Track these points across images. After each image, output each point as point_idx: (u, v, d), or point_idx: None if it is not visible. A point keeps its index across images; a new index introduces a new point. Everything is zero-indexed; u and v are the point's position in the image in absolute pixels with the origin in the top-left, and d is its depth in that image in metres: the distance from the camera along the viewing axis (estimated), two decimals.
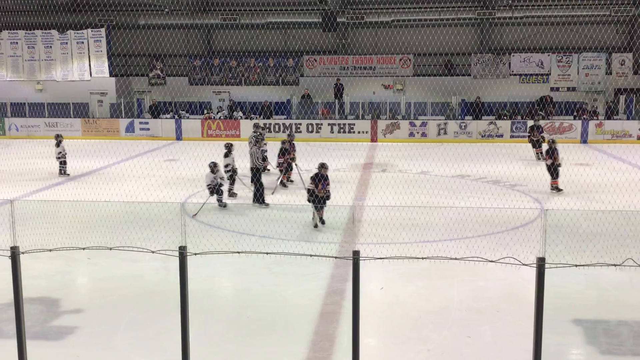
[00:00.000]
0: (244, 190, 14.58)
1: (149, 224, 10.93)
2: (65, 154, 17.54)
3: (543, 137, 19.95)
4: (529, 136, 20.64)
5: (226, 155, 14.54)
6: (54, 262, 9.55)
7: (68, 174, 17.47)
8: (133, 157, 20.71)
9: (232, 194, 14.57)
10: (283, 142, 15.99)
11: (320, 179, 11.88)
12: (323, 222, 11.95)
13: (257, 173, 13.98)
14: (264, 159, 15.05)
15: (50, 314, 7.94)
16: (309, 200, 11.84)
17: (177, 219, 9.96)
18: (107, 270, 9.56)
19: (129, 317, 7.87)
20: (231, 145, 14.84)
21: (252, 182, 14.12)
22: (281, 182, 15.62)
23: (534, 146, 20.18)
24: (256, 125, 18.11)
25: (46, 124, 27.04)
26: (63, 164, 17.52)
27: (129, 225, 11.52)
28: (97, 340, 7.20)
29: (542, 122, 23.00)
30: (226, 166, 14.41)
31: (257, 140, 15.19)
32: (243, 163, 16.06)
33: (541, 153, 19.39)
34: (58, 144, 17.46)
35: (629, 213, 12.17)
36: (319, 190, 11.77)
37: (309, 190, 11.87)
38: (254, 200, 13.74)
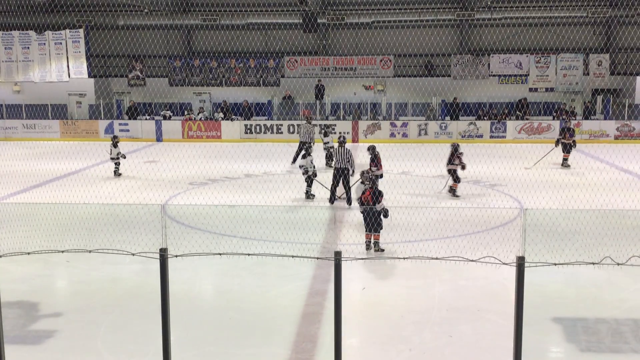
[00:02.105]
0: (323, 192, 14.43)
1: (129, 226, 10.84)
2: (120, 155, 17.58)
3: (574, 142, 18.51)
4: (559, 139, 18.72)
5: (304, 156, 14.37)
6: (32, 265, 9.44)
7: (120, 174, 17.51)
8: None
9: (309, 196, 14.29)
10: (372, 149, 14.48)
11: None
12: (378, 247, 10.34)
13: (346, 174, 13.70)
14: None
15: (29, 317, 7.84)
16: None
17: (157, 220, 9.89)
18: (86, 273, 9.47)
19: (109, 320, 7.80)
20: (309, 147, 14.69)
21: (342, 183, 13.78)
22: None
23: (564, 150, 18.45)
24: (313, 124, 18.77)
25: (24, 126, 26.72)
26: (118, 165, 17.56)
27: (108, 228, 11.43)
28: (77, 343, 7.13)
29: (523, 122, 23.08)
30: (301, 167, 14.30)
31: (343, 140, 14.53)
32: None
33: (565, 159, 18.39)
34: (115, 145, 17.49)
35: (606, 212, 12.35)
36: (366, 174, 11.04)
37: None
38: (347, 201, 13.70)
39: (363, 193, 10.43)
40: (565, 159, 18.45)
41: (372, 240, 10.23)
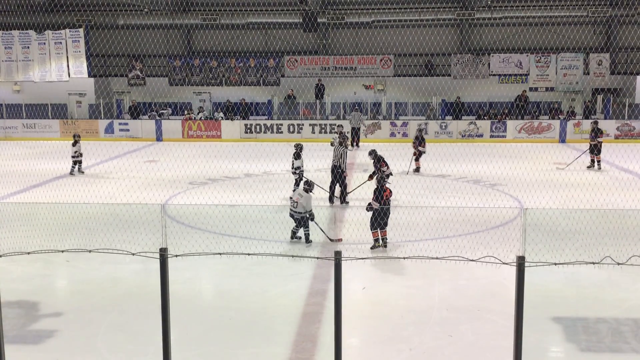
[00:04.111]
0: (318, 191, 14.40)
1: (129, 226, 10.84)
2: (81, 153, 17.67)
3: (600, 143, 17.89)
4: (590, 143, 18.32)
5: (297, 156, 14.22)
6: (32, 265, 9.44)
7: (82, 172, 17.70)
8: (113, 159, 20.53)
9: None
10: (374, 153, 14.59)
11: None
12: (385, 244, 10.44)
13: (341, 172, 13.75)
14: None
15: (29, 317, 7.84)
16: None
17: (157, 220, 9.90)
18: (86, 272, 9.47)
19: (109, 319, 7.80)
20: (302, 146, 14.59)
21: (336, 181, 13.85)
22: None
23: (591, 152, 18.10)
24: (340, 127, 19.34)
25: (24, 125, 26.72)
26: (76, 163, 17.69)
27: (108, 227, 11.43)
28: (77, 343, 7.13)
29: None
30: (297, 168, 14.13)
31: (343, 139, 14.77)
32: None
33: (599, 162, 17.94)
34: (74, 144, 17.61)
35: (606, 211, 12.34)
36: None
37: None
38: (340, 200, 13.73)
39: (384, 191, 10.35)
40: (592, 160, 18.14)
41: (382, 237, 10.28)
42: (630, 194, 13.83)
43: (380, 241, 10.31)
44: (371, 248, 10.27)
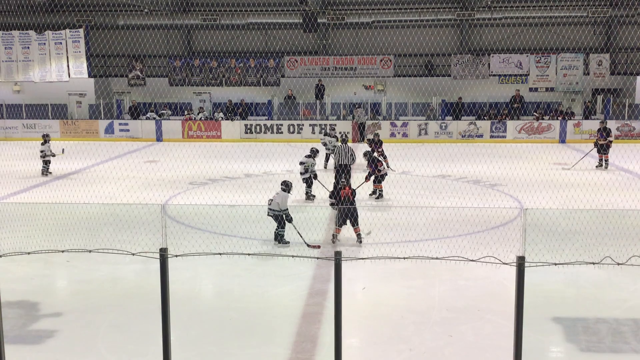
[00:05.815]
0: (323, 191, 14.36)
1: (129, 226, 10.84)
2: (49, 154, 17.52)
3: (610, 142, 18.14)
4: (596, 141, 18.49)
5: (308, 156, 14.31)
6: (32, 265, 9.44)
7: (47, 173, 17.50)
8: (113, 159, 20.54)
9: (310, 197, 14.22)
10: (368, 154, 14.91)
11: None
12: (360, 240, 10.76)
13: (348, 170, 13.79)
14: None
15: (29, 317, 7.83)
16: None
17: (157, 220, 9.89)
18: (86, 272, 9.47)
19: (110, 320, 7.80)
20: (317, 151, 14.72)
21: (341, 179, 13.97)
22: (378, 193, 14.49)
23: (599, 151, 18.21)
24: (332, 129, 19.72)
25: (24, 126, 26.73)
26: (45, 163, 17.60)
27: (108, 227, 11.44)
28: (77, 343, 7.13)
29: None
30: (301, 164, 14.23)
31: (345, 138, 15.13)
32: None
33: (606, 161, 18.12)
34: (43, 143, 17.56)
35: (606, 211, 12.34)
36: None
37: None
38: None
39: (342, 189, 10.83)
40: (600, 159, 18.30)
41: (337, 234, 10.69)
42: (630, 194, 13.83)
43: (336, 238, 10.65)
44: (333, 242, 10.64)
